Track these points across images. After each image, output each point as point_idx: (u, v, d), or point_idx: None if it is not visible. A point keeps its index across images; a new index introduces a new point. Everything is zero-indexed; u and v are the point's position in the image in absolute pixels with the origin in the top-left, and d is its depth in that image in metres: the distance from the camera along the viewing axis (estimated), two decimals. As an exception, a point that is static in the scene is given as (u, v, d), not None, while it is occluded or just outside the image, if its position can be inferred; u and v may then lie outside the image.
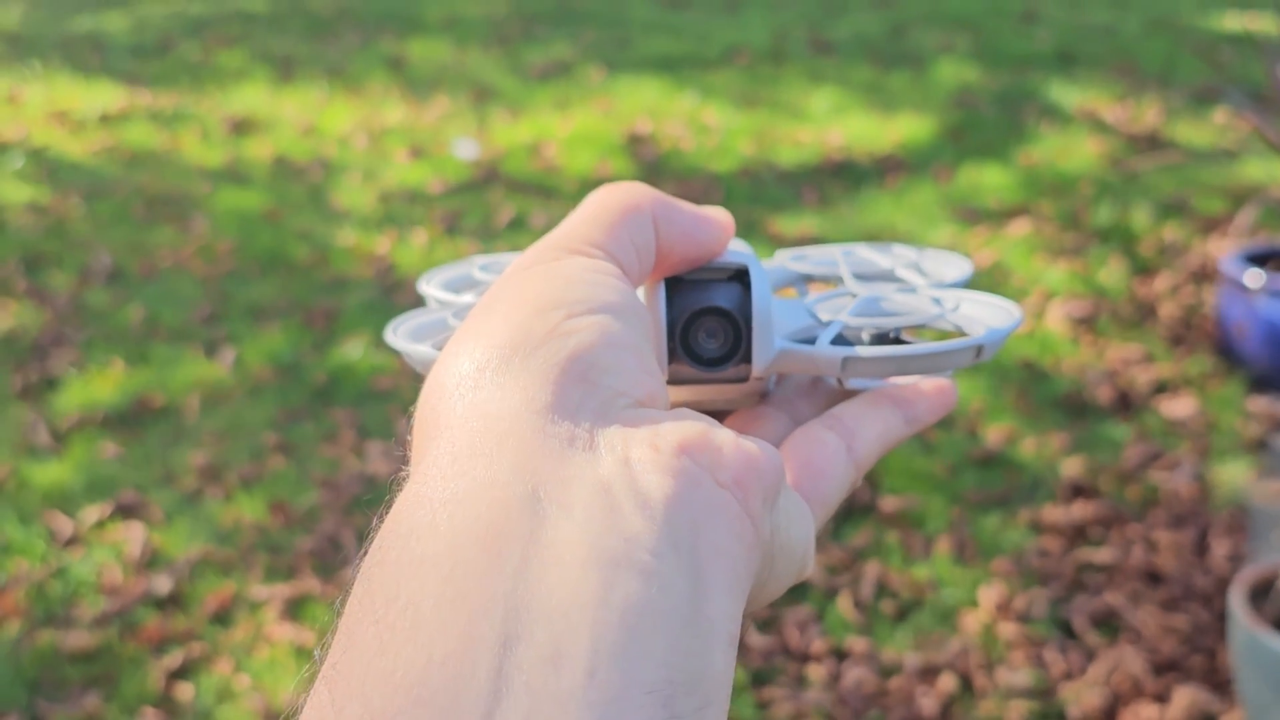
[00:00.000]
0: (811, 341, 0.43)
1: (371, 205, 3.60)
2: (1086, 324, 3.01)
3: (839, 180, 3.75)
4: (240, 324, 2.99)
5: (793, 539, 0.36)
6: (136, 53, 5.28)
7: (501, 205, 3.57)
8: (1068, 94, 4.39)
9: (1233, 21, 5.30)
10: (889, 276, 0.51)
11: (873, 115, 4.23)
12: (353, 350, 2.80)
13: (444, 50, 5.19)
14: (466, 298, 0.48)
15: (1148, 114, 4.19)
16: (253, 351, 2.84)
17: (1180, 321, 3.09)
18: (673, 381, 0.42)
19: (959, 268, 0.50)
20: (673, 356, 0.41)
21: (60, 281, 3.23)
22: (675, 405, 0.43)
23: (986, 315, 0.46)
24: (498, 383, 0.32)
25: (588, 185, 3.73)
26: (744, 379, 0.42)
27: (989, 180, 3.69)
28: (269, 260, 3.29)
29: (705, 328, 0.40)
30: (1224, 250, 3.20)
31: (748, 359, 0.41)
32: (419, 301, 3.06)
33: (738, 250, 0.42)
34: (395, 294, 3.08)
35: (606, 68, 4.82)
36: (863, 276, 0.50)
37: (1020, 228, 3.39)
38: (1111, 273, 3.22)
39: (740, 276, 0.41)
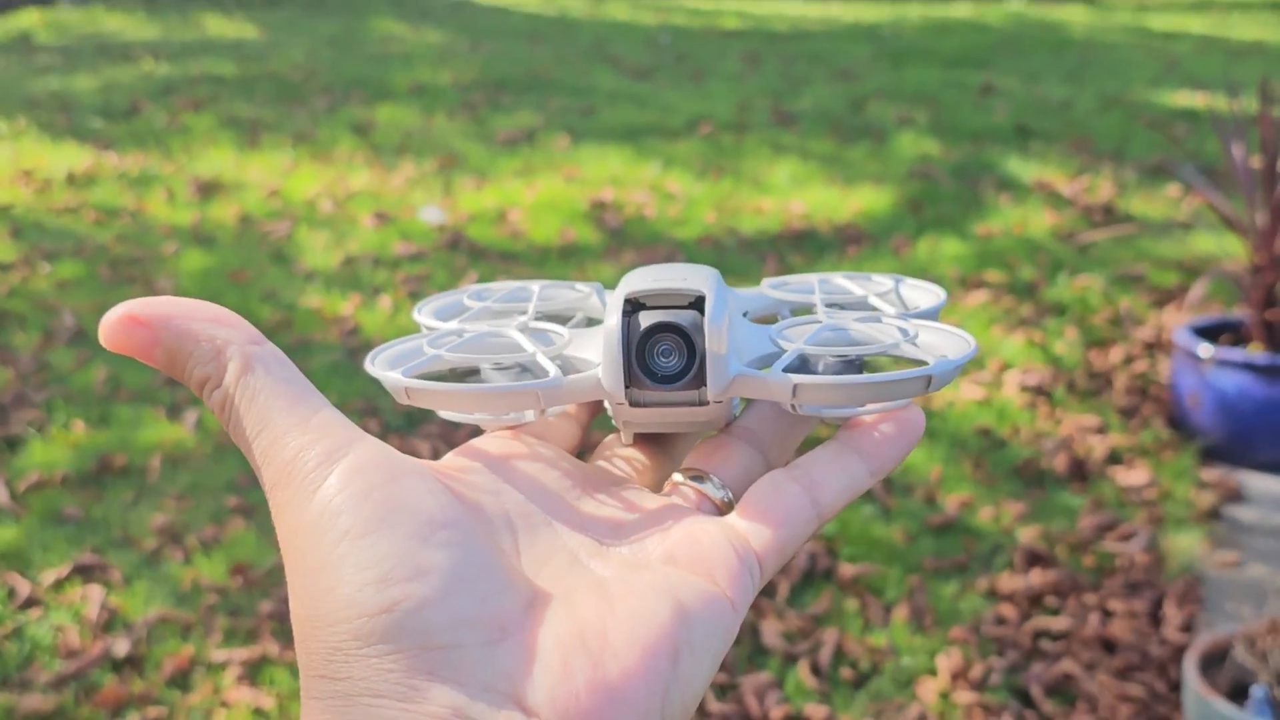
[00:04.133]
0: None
1: (337, 268, 3.62)
2: (1042, 394, 3.05)
3: (800, 250, 3.80)
4: (203, 386, 2.98)
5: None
6: (104, 114, 5.30)
7: (466, 270, 3.59)
8: (1024, 167, 4.48)
9: (1184, 98, 5.42)
10: (862, 304, 0.52)
11: (833, 186, 4.29)
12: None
13: (411, 116, 5.23)
14: (450, 325, 0.50)
15: (1102, 188, 4.28)
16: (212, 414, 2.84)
17: (1135, 392, 3.14)
18: (633, 404, 0.45)
19: (932, 296, 0.53)
20: (630, 375, 0.44)
21: (23, 341, 3.22)
22: (639, 430, 0.46)
23: (945, 345, 0.48)
24: None
25: (551, 252, 3.76)
26: (702, 401, 0.44)
27: (947, 251, 3.75)
28: (233, 322, 3.30)
29: (661, 347, 0.44)
30: (1177, 322, 3.27)
31: (703, 379, 0.44)
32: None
33: (704, 274, 0.45)
34: (359, 356, 3.09)
35: (571, 136, 4.88)
36: (836, 305, 0.52)
37: (977, 298, 3.45)
38: (1067, 343, 3.27)
39: (698, 304, 0.44)
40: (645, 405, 0.45)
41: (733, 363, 0.44)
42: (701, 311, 0.43)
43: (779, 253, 3.77)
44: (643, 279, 0.45)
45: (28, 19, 8.37)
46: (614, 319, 0.43)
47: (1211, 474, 2.83)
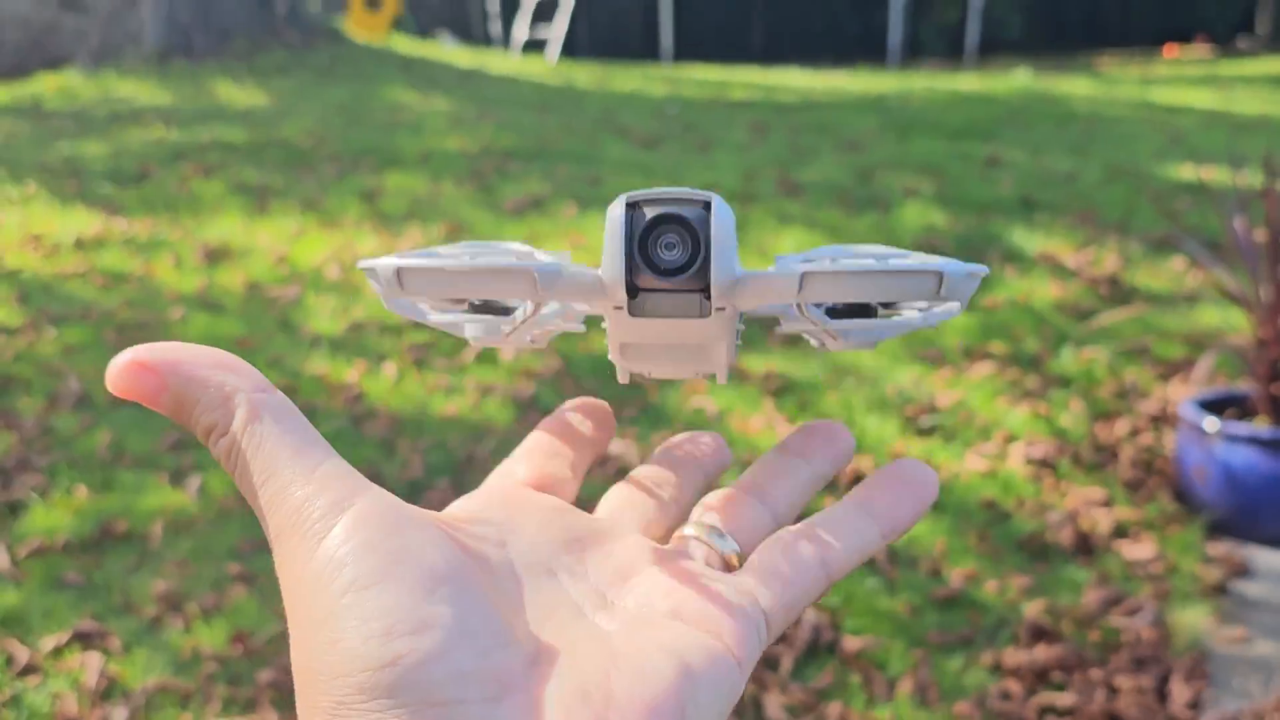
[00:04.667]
0: None
1: (342, 335, 3.63)
2: (1048, 466, 3.04)
3: (805, 319, 3.80)
4: (207, 452, 2.98)
5: None
6: (114, 179, 5.34)
7: (472, 338, 3.60)
8: (1029, 239, 4.50)
9: (1189, 172, 5.46)
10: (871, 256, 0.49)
11: (839, 256, 4.31)
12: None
13: (419, 184, 5.27)
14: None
15: (1108, 260, 4.29)
16: (218, 479, 2.84)
17: (1141, 465, 3.13)
18: (634, 310, 0.42)
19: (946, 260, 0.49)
20: (633, 273, 0.42)
21: (27, 406, 3.22)
22: (636, 365, 0.45)
23: (957, 263, 0.43)
24: None
25: (558, 319, 3.77)
26: (706, 300, 0.41)
27: (953, 322, 3.76)
28: (238, 388, 3.30)
29: (665, 238, 0.42)
30: (1183, 395, 3.26)
31: (707, 273, 0.41)
32: (390, 430, 3.07)
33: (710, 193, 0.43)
34: (363, 424, 3.09)
35: (579, 204, 4.91)
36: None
37: (983, 370, 3.45)
38: (1072, 416, 3.27)
39: (706, 206, 0.42)
40: (644, 315, 0.42)
41: (735, 265, 0.41)
42: (707, 211, 0.41)
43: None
44: (645, 197, 0.43)
45: (40, 84, 8.46)
46: (617, 210, 0.41)
47: (1218, 548, 2.81)
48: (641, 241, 0.42)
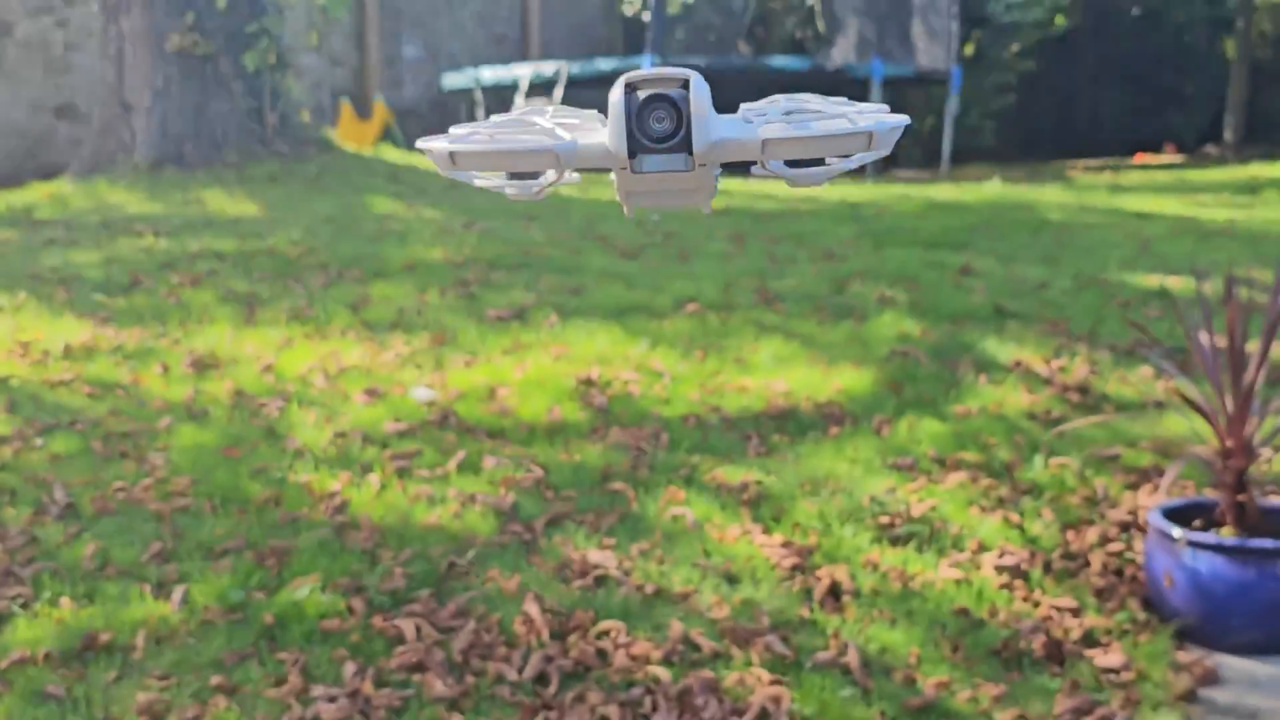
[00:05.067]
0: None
1: (327, 445, 3.69)
2: (1020, 574, 3.10)
3: (782, 429, 3.88)
4: (191, 562, 3.02)
5: None
6: (104, 288, 5.42)
7: (454, 449, 3.66)
8: (1001, 348, 4.59)
9: (1157, 280, 5.58)
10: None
11: (815, 366, 4.40)
12: (302, 591, 2.83)
13: (405, 294, 5.36)
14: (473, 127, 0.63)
15: (1078, 369, 4.38)
16: (202, 590, 2.87)
17: (1111, 573, 3.19)
18: (635, 171, 0.60)
19: (879, 109, 0.67)
20: (632, 144, 0.58)
21: (12, 515, 3.26)
22: (640, 202, 0.56)
23: (884, 119, 0.62)
24: None
25: (538, 429, 3.84)
26: (689, 156, 0.56)
27: (926, 431, 3.83)
28: (224, 497, 3.35)
29: (655, 113, 0.58)
30: (1152, 503, 3.33)
31: (689, 140, 0.58)
32: (374, 540, 3.11)
33: (689, 71, 0.60)
34: (347, 534, 3.13)
35: (561, 314, 5.00)
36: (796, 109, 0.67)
37: (955, 478, 3.51)
38: (1043, 524, 3.33)
39: (685, 85, 0.60)
40: (643, 172, 0.60)
41: (713, 130, 0.58)
42: (688, 89, 0.59)
43: (761, 432, 3.84)
44: (638, 78, 0.60)
45: (32, 194, 8.58)
46: (617, 93, 0.59)
47: (1187, 656, 2.86)
48: (638, 116, 0.62)
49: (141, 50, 9.00)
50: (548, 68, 13.57)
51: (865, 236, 6.91)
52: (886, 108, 0.70)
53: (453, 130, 0.64)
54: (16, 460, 3.60)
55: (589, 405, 4.04)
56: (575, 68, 13.37)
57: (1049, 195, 9.22)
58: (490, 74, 14.38)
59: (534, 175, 0.69)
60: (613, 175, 0.64)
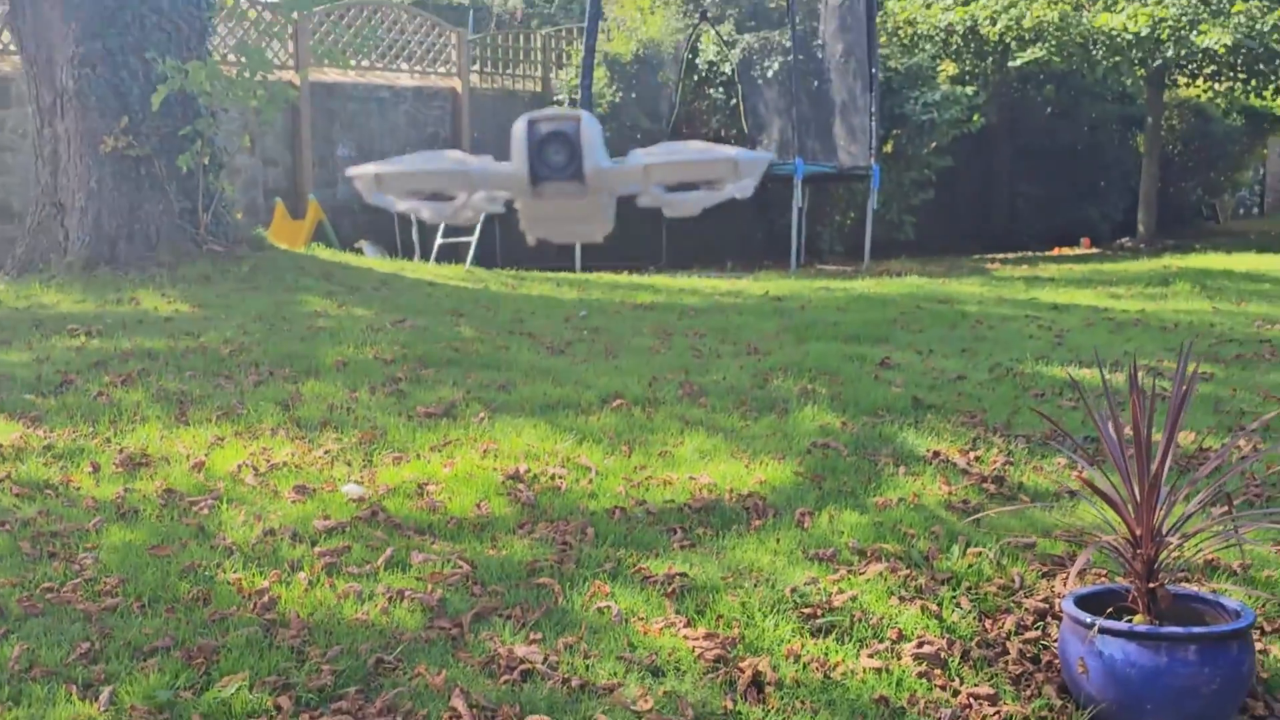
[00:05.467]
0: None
1: (256, 542, 3.71)
2: (938, 662, 3.18)
3: (706, 522, 3.96)
4: (119, 662, 3.03)
5: None
6: (35, 388, 5.42)
7: (383, 544, 3.70)
8: (920, 440, 4.72)
9: (1071, 371, 5.76)
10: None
11: (738, 459, 4.50)
12: (230, 689, 2.85)
13: (336, 391, 5.42)
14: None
15: (994, 459, 4.52)
16: (130, 690, 2.87)
17: (1028, 659, 3.28)
18: (535, 194, 0.77)
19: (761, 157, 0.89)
20: (533, 170, 0.65)
21: (-61, 617, 3.24)
22: (541, 231, 0.72)
23: (748, 152, 0.82)
24: None
25: (466, 524, 3.89)
26: (582, 183, 0.75)
27: (846, 522, 3.93)
28: (152, 596, 3.36)
29: (553, 146, 0.75)
30: (1066, 591, 3.44)
31: (580, 170, 0.75)
32: (302, 637, 3.14)
33: (583, 113, 0.78)
34: (276, 630, 3.16)
35: (489, 411, 5.08)
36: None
37: (875, 569, 3.60)
38: (961, 613, 3.42)
39: (579, 119, 0.77)
40: (542, 196, 0.77)
41: (602, 160, 0.75)
42: (580, 125, 0.78)
43: (686, 525, 3.92)
44: (539, 117, 0.79)
45: (-38, 292, 8.55)
46: (520, 126, 0.79)
47: (1099, 740, 2.95)
48: (539, 148, 0.81)
49: (76, 152, 9.05)
50: (479, 166, 13.73)
51: (788, 331, 7.07)
52: (767, 156, 0.93)
53: (379, 161, 0.82)
54: (-58, 563, 3.58)
55: (516, 500, 4.10)
56: (505, 166, 13.54)
57: (967, 288, 9.47)
58: (423, 172, 14.52)
59: (450, 199, 0.89)
60: (518, 203, 0.87)
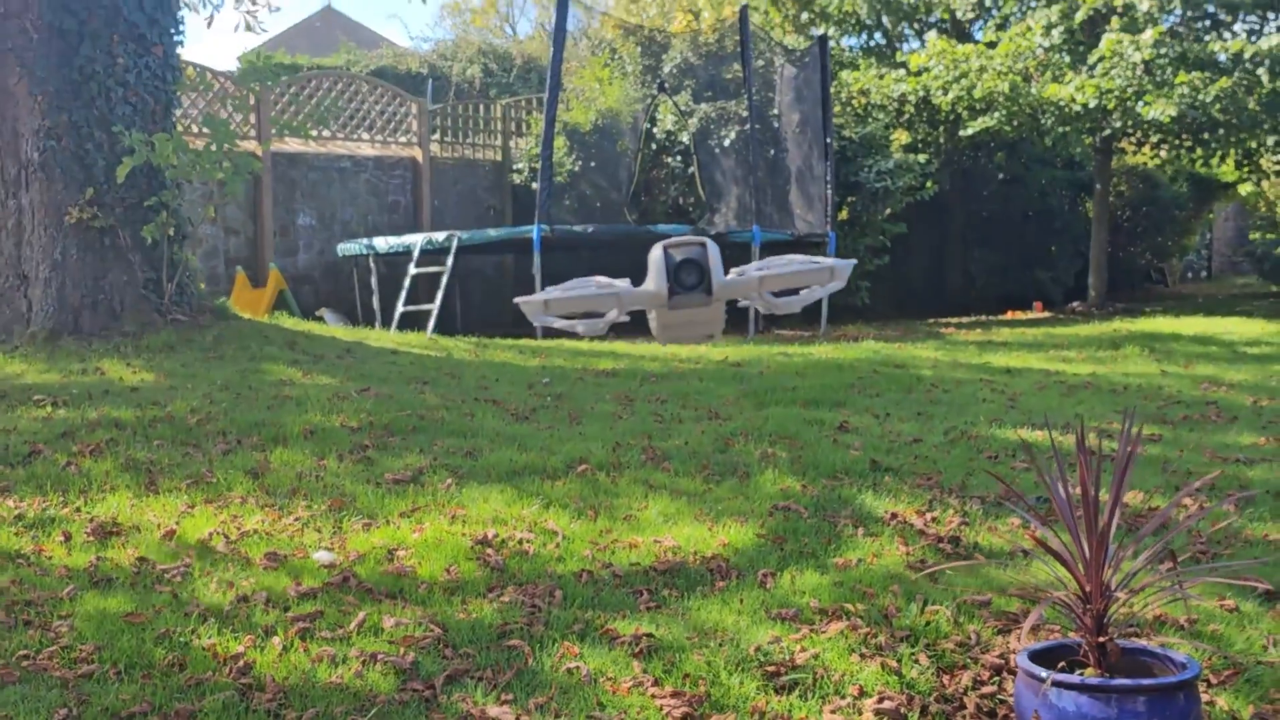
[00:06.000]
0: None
1: (230, 608, 3.78)
2: (898, 718, 3.28)
3: (671, 584, 4.06)
4: (94, 728, 3.08)
5: None
6: (3, 459, 5.46)
7: (355, 609, 3.77)
8: (878, 502, 4.85)
9: (1023, 433, 5.91)
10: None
11: (701, 522, 4.61)
12: (208, 752, 2.91)
13: (304, 459, 5.49)
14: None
15: (949, 520, 4.64)
16: None
17: (985, 714, 3.38)
18: (671, 307, 1.81)
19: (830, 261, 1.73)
20: (670, 287, 1.78)
21: (-88, 687, 3.28)
22: (671, 336, 2.04)
23: (839, 260, 1.61)
24: None
25: (437, 588, 3.97)
26: (709, 295, 1.87)
27: (808, 582, 4.04)
28: (129, 663, 3.41)
29: (685, 269, 1.98)
30: (1020, 646, 3.54)
31: (709, 286, 1.91)
32: (278, 700, 3.20)
33: (707, 239, 1.70)
34: (251, 694, 3.22)
35: (456, 477, 5.16)
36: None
37: (836, 627, 3.71)
38: (919, 669, 3.52)
39: (704, 245, 1.76)
40: (676, 308, 1.76)
41: (722, 278, 1.83)
42: (705, 249, 1.77)
43: (652, 587, 4.02)
44: (675, 246, 1.87)
45: (-76, 364, 8.55)
46: (658, 253, 1.88)
47: (1052, 791, 3.04)
48: (675, 271, 1.85)
49: (40, 223, 9.11)
50: (440, 236, 13.89)
51: (748, 396, 7.20)
52: (852, 261, 1.43)
53: (544, 290, 1.27)
54: (-85, 633, 3.62)
55: (485, 564, 4.19)
56: (465, 235, 13.70)
57: (922, 353, 9.65)
58: (384, 242, 14.66)
59: (599, 315, 1.40)
60: (651, 314, 1.35)
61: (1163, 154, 19.28)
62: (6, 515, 4.65)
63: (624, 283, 2.06)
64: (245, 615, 3.74)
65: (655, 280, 2.02)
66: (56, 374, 7.79)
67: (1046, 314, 17.79)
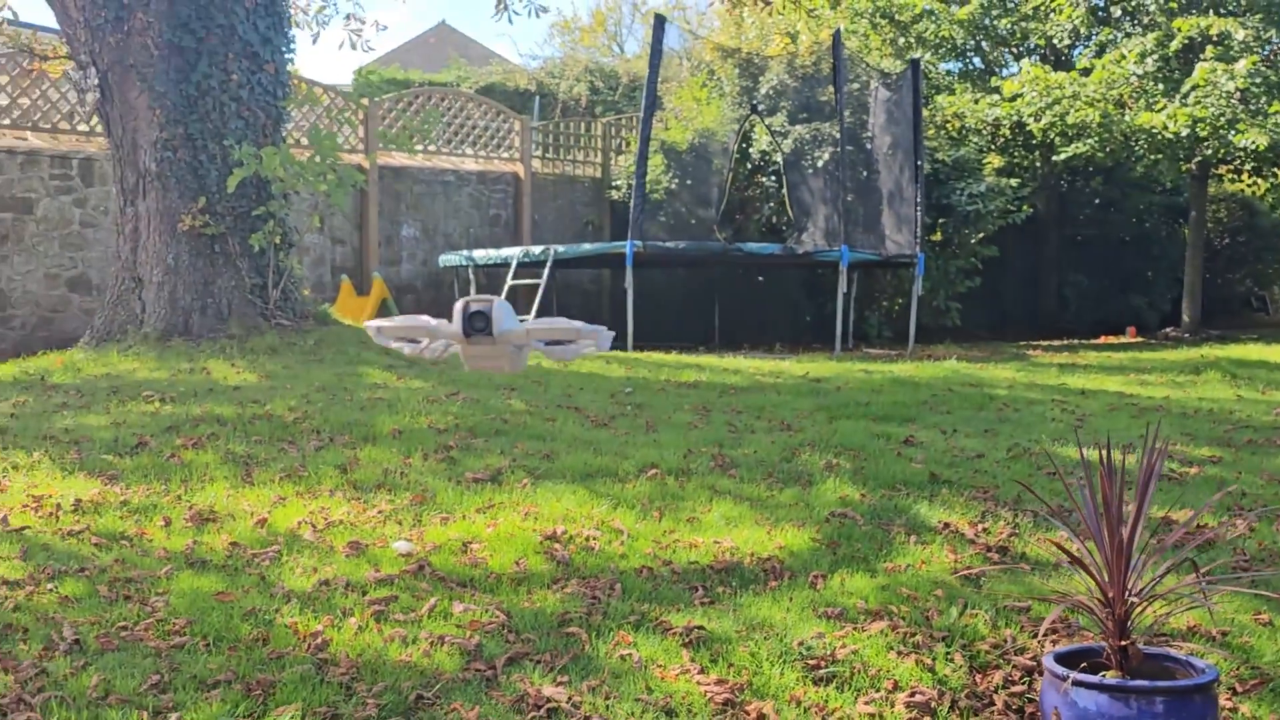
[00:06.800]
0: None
1: (312, 591, 4.07)
2: (929, 711, 3.45)
3: (726, 581, 4.28)
4: (185, 692, 3.36)
5: None
6: (113, 449, 5.86)
7: (428, 595, 4.05)
8: (932, 512, 5.02)
9: (1081, 452, 6.01)
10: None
11: (761, 526, 4.82)
12: (285, 718, 3.18)
13: (391, 457, 5.80)
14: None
15: (1000, 530, 4.80)
16: (194, 717, 3.18)
17: (1014, 711, 3.54)
18: (467, 341, 2.61)
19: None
20: (466, 327, 2.56)
21: (25, 651, 3.59)
22: (474, 363, 2.85)
23: (604, 333, 2.80)
24: None
25: (505, 579, 4.23)
26: (493, 339, 2.58)
27: (856, 585, 4.23)
28: (217, 636, 3.71)
29: (476, 318, 2.63)
30: (1038, 646, 3.71)
31: (491, 330, 2.53)
32: (351, 674, 3.48)
33: (497, 300, 2.59)
34: (327, 668, 3.49)
35: (532, 478, 5.44)
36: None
37: (877, 626, 3.89)
38: (953, 667, 3.70)
39: (492, 302, 2.46)
40: (472, 345, 2.58)
41: (505, 325, 2.56)
42: (493, 305, 2.40)
43: (707, 584, 4.24)
44: (471, 300, 2.66)
45: (46, 361, 9.07)
46: (459, 305, 2.59)
47: (1070, 785, 3.19)
48: (469, 319, 2.57)
49: (155, 230, 9.61)
50: (536, 249, 14.24)
51: (822, 410, 7.38)
52: (609, 331, 1.96)
53: (378, 319, 1.80)
54: (29, 602, 3.96)
55: (553, 559, 4.44)
56: (561, 249, 14.02)
57: (1000, 373, 9.72)
58: (482, 254, 15.05)
59: (417, 341, 1.97)
60: (455, 346, 1.91)
61: (1260, 182, 19.01)
62: (113, 500, 5.02)
63: (440, 322, 3.20)
64: (326, 598, 4.02)
65: (457, 323, 3.09)
66: (165, 372, 8.23)
67: (1139, 339, 17.64)
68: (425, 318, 3.32)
